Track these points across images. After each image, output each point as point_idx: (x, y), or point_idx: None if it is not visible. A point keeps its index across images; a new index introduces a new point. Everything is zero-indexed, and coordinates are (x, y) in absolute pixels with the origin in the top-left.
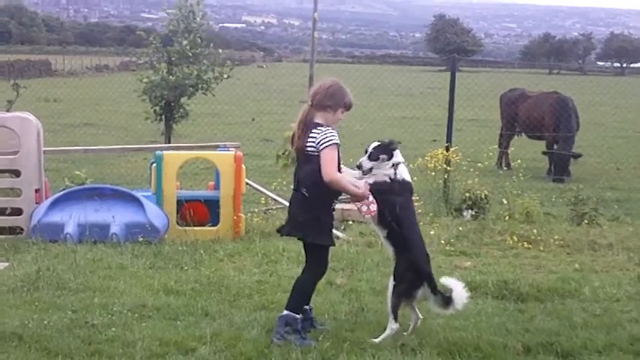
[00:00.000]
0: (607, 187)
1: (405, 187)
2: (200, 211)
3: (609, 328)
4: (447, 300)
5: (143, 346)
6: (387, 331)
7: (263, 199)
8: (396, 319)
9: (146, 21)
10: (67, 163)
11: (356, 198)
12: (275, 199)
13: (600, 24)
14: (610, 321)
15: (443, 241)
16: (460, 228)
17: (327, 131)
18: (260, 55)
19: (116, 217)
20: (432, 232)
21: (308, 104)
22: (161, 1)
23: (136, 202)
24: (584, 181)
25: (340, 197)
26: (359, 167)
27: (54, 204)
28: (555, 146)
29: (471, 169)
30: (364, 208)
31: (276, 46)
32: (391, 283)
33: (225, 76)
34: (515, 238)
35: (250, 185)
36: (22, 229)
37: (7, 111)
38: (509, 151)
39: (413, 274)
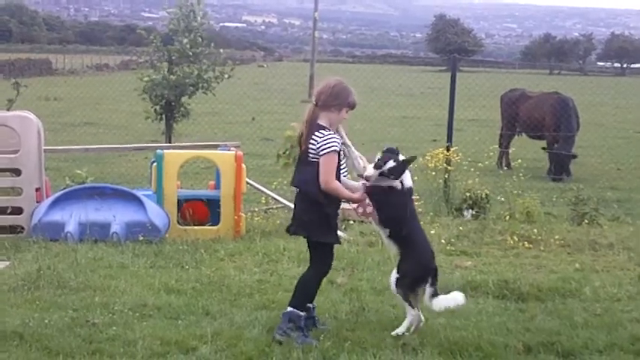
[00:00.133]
0: (607, 187)
1: (410, 192)
2: (200, 210)
3: (610, 328)
4: (434, 293)
5: (144, 345)
6: (408, 318)
7: (263, 198)
8: (412, 306)
9: (147, 20)
10: (68, 162)
11: (356, 201)
12: (275, 199)
13: (601, 24)
14: (611, 321)
15: (443, 241)
16: (460, 228)
17: (328, 137)
18: (260, 55)
19: (117, 216)
20: (432, 232)
21: (313, 104)
22: (162, 0)
23: (137, 201)
24: (584, 181)
25: None
26: (365, 178)
27: (54, 203)
28: (556, 146)
29: (472, 169)
30: (360, 210)
31: (277, 46)
32: (394, 275)
33: (226, 76)
34: (515, 237)
35: (251, 184)
36: (22, 228)
37: (8, 110)
38: (509, 151)
39: (418, 270)
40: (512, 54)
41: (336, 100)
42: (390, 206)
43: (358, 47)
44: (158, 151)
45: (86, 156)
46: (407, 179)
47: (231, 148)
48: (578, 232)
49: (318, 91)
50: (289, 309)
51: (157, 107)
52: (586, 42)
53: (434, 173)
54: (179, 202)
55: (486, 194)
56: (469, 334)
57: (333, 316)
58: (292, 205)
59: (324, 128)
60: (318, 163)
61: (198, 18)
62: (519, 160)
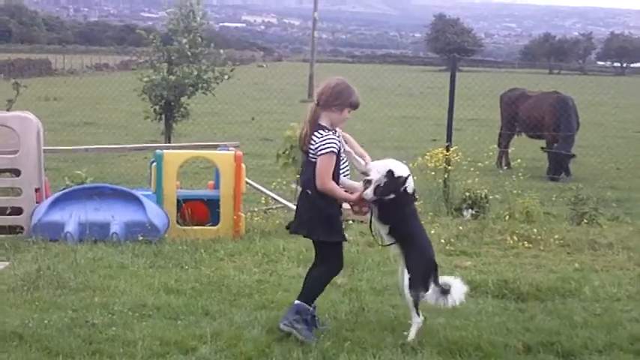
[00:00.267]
0: (607, 186)
1: (413, 197)
2: (200, 210)
3: (610, 328)
4: (444, 291)
5: (143, 345)
6: (414, 326)
7: (263, 198)
8: (418, 313)
9: (146, 20)
10: (67, 162)
11: (353, 203)
12: (275, 199)
13: (600, 24)
14: (610, 320)
15: (443, 241)
16: (460, 227)
17: (327, 137)
18: (260, 55)
19: (116, 217)
20: (432, 232)
21: (314, 103)
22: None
23: (136, 201)
24: (584, 181)
25: None
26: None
27: (54, 203)
28: (555, 146)
29: (471, 169)
30: (356, 208)
31: (276, 46)
32: (406, 276)
33: (226, 76)
34: (515, 237)
35: (250, 184)
36: (22, 229)
37: (8, 110)
38: (509, 151)
39: (425, 264)
40: (512, 53)
41: (337, 100)
42: (391, 207)
43: (357, 47)
44: (157, 151)
45: (86, 156)
46: (409, 186)
47: (231, 148)
48: (577, 231)
49: (319, 90)
50: (297, 302)
51: (157, 107)
52: (586, 41)
53: (433, 173)
54: (179, 202)
55: (486, 194)
56: (469, 333)
57: (332, 317)
58: (292, 205)
59: (323, 128)
60: (316, 163)
61: (198, 18)
62: (519, 160)
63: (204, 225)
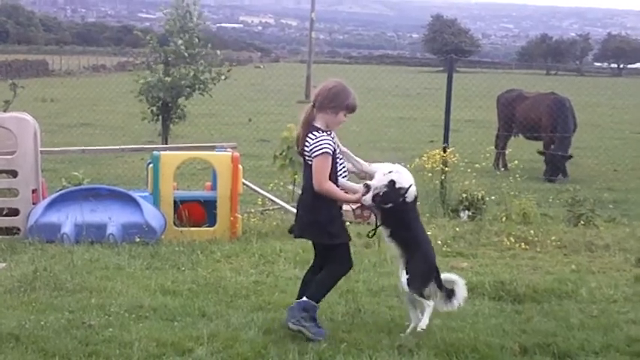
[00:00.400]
0: (604, 188)
1: (414, 203)
2: (197, 211)
3: (606, 329)
4: (449, 294)
5: (140, 346)
6: (427, 312)
7: (260, 199)
8: (426, 297)
9: (143, 21)
10: (64, 163)
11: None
12: (272, 200)
13: (598, 25)
14: (607, 322)
15: (440, 242)
16: (457, 229)
17: (321, 139)
18: (257, 56)
19: (113, 218)
20: (429, 233)
21: (310, 105)
22: (158, 1)
23: (133, 202)
24: (581, 182)
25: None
26: (362, 202)
27: (51, 204)
28: (552, 147)
29: (468, 170)
30: (358, 212)
31: (274, 47)
32: (404, 277)
33: (223, 77)
34: (512, 239)
35: (247, 186)
36: (19, 230)
37: (4, 111)
38: (506, 152)
39: (426, 266)
40: (509, 54)
41: (332, 102)
42: (392, 212)
43: (355, 48)
44: (154, 152)
45: (83, 157)
46: (409, 196)
47: (228, 150)
48: (574, 233)
49: (316, 92)
50: (305, 299)
51: (154, 109)
52: (583, 42)
53: (430, 174)
54: (175, 203)
55: (483, 195)
56: (465, 335)
57: (329, 318)
58: (289, 207)
59: (317, 130)
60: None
61: (194, 18)
62: (516, 162)
63: (200, 226)
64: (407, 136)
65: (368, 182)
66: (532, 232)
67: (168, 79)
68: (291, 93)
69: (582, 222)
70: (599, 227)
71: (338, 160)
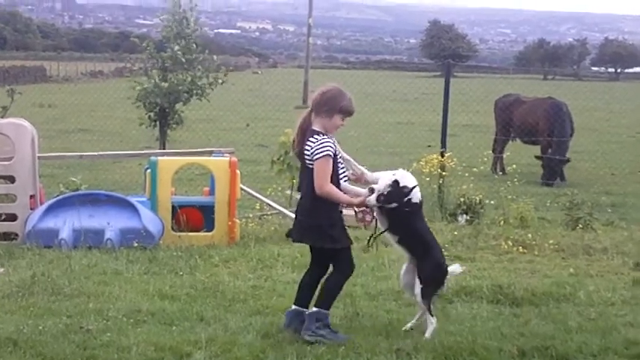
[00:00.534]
0: (602, 191)
1: (419, 206)
2: (195, 216)
3: (604, 332)
4: None
5: (138, 351)
6: (431, 327)
7: (258, 204)
8: (432, 314)
9: (141, 27)
10: (62, 169)
11: (356, 207)
12: (270, 205)
13: (595, 29)
14: (605, 325)
15: None
16: (455, 233)
17: (322, 141)
18: (255, 61)
19: (111, 223)
20: None
21: (308, 110)
22: (156, 7)
23: (131, 207)
24: (578, 186)
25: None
26: (366, 204)
27: (49, 210)
28: (550, 151)
29: (466, 174)
30: (360, 215)
31: (271, 52)
32: (418, 286)
33: (220, 81)
34: (509, 242)
35: (245, 191)
36: (16, 235)
37: (2, 117)
38: (503, 156)
39: (437, 273)
40: (507, 59)
41: (325, 106)
42: (398, 217)
43: (352, 53)
44: (152, 157)
45: (80, 163)
46: (414, 197)
47: (226, 155)
48: (572, 236)
49: (312, 96)
50: (315, 309)
51: (151, 114)
52: (580, 47)
53: (428, 179)
54: (173, 208)
55: (480, 199)
56: (463, 339)
57: None
58: (287, 212)
59: (318, 133)
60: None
61: (191, 24)
62: (514, 166)
63: (198, 231)
64: (405, 141)
65: (373, 186)
66: (530, 235)
67: (165, 84)
68: (289, 98)
69: (580, 226)
70: (597, 231)
71: (339, 163)
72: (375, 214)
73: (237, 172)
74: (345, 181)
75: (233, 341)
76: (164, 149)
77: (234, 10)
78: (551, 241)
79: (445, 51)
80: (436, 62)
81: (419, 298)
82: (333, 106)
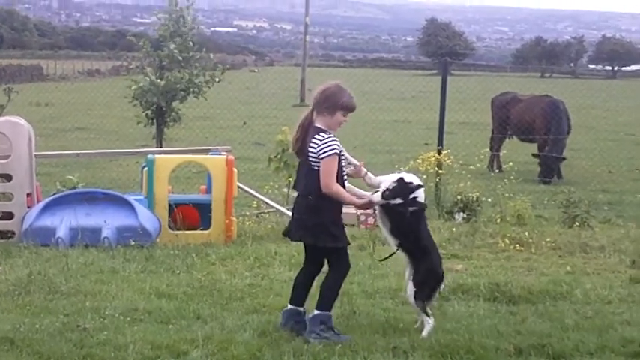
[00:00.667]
0: (598, 189)
1: (422, 207)
2: (191, 215)
3: (601, 330)
4: None
5: (135, 349)
6: (428, 327)
7: (255, 202)
8: (428, 315)
9: (138, 25)
10: (59, 167)
11: (358, 208)
12: (267, 203)
13: (592, 27)
14: (602, 323)
15: None
16: (452, 230)
17: (328, 140)
18: (252, 59)
19: (108, 221)
20: None
21: (310, 109)
22: (152, 5)
23: (128, 206)
24: (575, 184)
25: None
26: (370, 202)
27: (45, 208)
28: (546, 149)
29: (463, 172)
30: (362, 218)
31: (268, 50)
32: (411, 288)
33: (217, 79)
34: (506, 240)
35: (242, 189)
36: (13, 233)
37: None
38: (500, 154)
39: (431, 279)
40: (504, 57)
41: (325, 103)
42: (401, 218)
43: (349, 51)
44: (149, 155)
45: (77, 161)
46: (419, 196)
47: (223, 153)
48: (569, 234)
49: (313, 94)
50: (317, 312)
51: (148, 112)
52: (577, 45)
53: (425, 177)
54: (170, 206)
55: (477, 197)
56: (460, 336)
57: None
58: (284, 210)
59: (324, 131)
60: (319, 169)
61: (188, 23)
62: (510, 163)
63: (195, 229)
64: (402, 139)
65: (377, 190)
66: (527, 233)
67: (161, 82)
68: (286, 96)
69: (577, 223)
70: (594, 229)
71: (343, 162)
72: (377, 215)
73: (234, 170)
74: (344, 180)
75: (230, 339)
76: (161, 147)
77: (230, 9)
78: (548, 239)
79: (442, 49)
80: (433, 60)
81: (411, 299)
82: (334, 102)
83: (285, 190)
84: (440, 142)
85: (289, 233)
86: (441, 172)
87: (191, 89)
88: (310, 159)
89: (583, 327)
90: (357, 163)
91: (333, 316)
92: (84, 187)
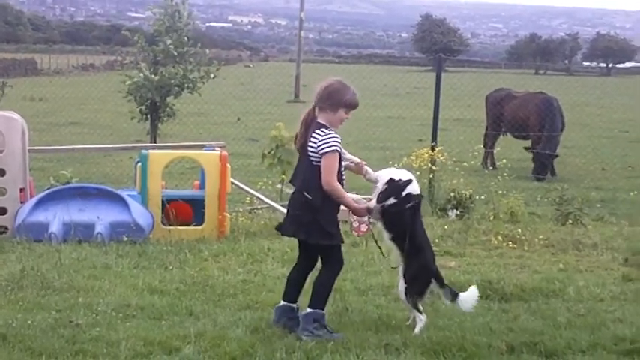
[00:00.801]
0: (592, 187)
1: (417, 203)
2: (185, 210)
3: (593, 328)
4: (454, 294)
5: (127, 345)
6: (420, 324)
7: (248, 198)
8: (420, 312)
9: (133, 20)
10: (53, 162)
11: (354, 212)
12: (260, 199)
13: (587, 24)
14: (594, 320)
15: None
16: (445, 227)
17: (329, 136)
18: (247, 55)
19: (101, 217)
20: None
21: (312, 105)
22: (148, 0)
23: (121, 201)
24: (569, 181)
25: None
26: (368, 210)
27: (39, 203)
28: (540, 146)
29: (456, 169)
30: (355, 224)
31: (263, 46)
32: (402, 284)
33: (212, 75)
34: (499, 237)
35: (235, 185)
36: (6, 229)
37: None
38: (494, 151)
39: (423, 275)
40: (498, 54)
41: (328, 100)
42: (395, 214)
43: (344, 47)
44: (143, 151)
45: (71, 156)
46: (413, 189)
47: (216, 149)
48: (562, 232)
49: (315, 91)
50: (309, 310)
51: (143, 107)
52: (572, 42)
53: (418, 173)
54: (163, 202)
55: (471, 194)
56: (452, 334)
57: None
58: (277, 206)
59: (325, 127)
60: (319, 166)
61: (183, 18)
62: (504, 160)
63: (188, 225)
64: (395, 136)
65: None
66: (520, 230)
67: (155, 77)
68: (280, 92)
69: (570, 221)
70: (587, 226)
71: (343, 159)
72: (370, 222)
73: (228, 165)
74: (343, 178)
75: (222, 336)
76: (155, 143)
77: (225, 4)
78: (540, 237)
79: (437, 45)
80: (428, 56)
81: (402, 296)
82: (337, 99)
83: (279, 186)
84: (434, 139)
85: (282, 228)
86: (434, 168)
87: (185, 85)
88: (310, 154)
89: (575, 324)
90: (358, 161)
91: (326, 314)
92: (77, 182)
